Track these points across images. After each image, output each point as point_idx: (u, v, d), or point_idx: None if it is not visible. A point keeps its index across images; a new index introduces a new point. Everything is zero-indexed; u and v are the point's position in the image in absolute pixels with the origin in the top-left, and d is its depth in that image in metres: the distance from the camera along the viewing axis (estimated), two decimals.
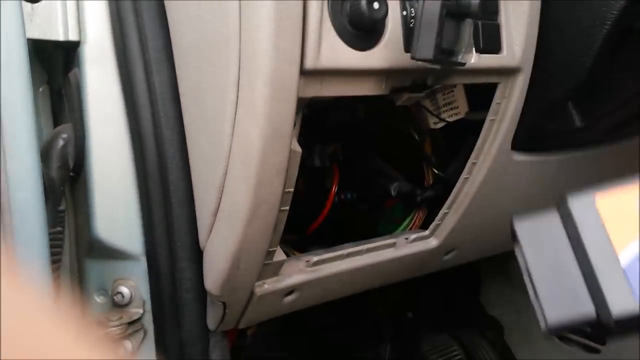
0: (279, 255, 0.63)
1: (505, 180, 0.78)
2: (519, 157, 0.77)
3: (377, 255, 0.75)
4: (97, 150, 0.58)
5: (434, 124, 0.82)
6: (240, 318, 0.66)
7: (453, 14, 0.48)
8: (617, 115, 0.73)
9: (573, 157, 0.84)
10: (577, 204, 0.27)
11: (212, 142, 0.52)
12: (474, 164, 0.74)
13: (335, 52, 0.49)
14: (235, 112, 0.48)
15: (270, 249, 0.60)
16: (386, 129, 0.96)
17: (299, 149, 0.53)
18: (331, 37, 0.49)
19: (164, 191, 0.58)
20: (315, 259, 0.69)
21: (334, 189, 0.83)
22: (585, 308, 0.25)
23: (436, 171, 0.83)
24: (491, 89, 0.69)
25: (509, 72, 0.67)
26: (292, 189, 0.56)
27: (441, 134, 0.86)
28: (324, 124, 0.86)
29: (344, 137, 0.91)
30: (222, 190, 0.52)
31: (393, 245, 0.77)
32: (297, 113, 0.53)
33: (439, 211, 0.85)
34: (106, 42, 0.57)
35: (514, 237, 0.29)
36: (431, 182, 0.87)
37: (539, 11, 0.66)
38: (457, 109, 0.81)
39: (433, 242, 0.82)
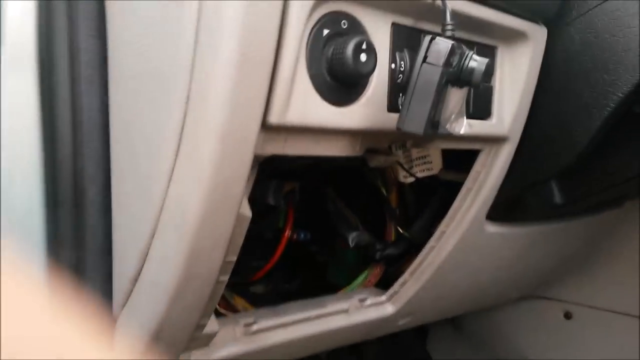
0: (212, 325, 0.53)
1: (475, 250, 0.71)
2: (493, 228, 0.70)
3: (327, 322, 0.66)
4: (4, 174, 0.46)
5: (404, 177, 0.74)
6: None
7: (452, 83, 0.40)
8: (602, 195, 0.68)
9: (549, 229, 0.78)
10: None
11: (141, 195, 0.42)
12: (443, 232, 0.66)
13: (307, 107, 0.40)
14: (174, 165, 0.38)
15: (201, 322, 0.50)
16: (351, 172, 0.88)
17: (248, 212, 0.44)
18: (304, 87, 0.40)
19: (77, 240, 0.47)
20: (255, 327, 0.59)
21: (287, 233, 0.74)
22: None
23: (400, 230, 0.75)
24: (472, 151, 0.62)
25: (495, 141, 0.60)
26: (235, 257, 0.46)
27: (409, 189, 0.78)
28: (281, 160, 0.77)
29: (302, 175, 0.82)
30: (146, 256, 0.42)
31: (345, 311, 0.69)
32: (251, 171, 0.44)
33: (397, 269, 0.78)
34: (29, 47, 0.46)
35: None
36: (393, 239, 0.80)
37: (536, 77, 0.59)
38: (430, 164, 0.74)
39: (389, 309, 0.74)
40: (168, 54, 0.37)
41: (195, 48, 0.36)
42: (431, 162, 0.74)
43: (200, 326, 0.50)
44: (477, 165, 0.62)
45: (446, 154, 0.73)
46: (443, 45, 0.38)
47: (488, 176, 0.62)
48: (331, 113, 0.42)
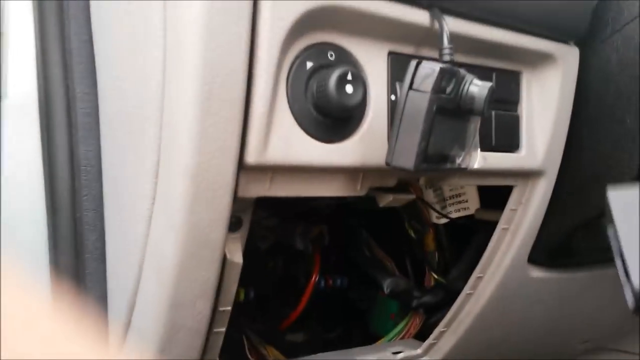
0: None
1: (518, 297, 0.63)
2: (538, 272, 0.62)
3: None
4: (6, 221, 0.47)
5: (437, 218, 0.69)
6: None
7: (449, 111, 0.36)
8: None
9: (605, 274, 0.69)
10: None
11: (127, 241, 0.40)
12: (479, 278, 0.60)
13: (290, 144, 0.38)
14: (152, 209, 0.37)
15: None
16: (384, 214, 0.84)
17: (238, 259, 0.41)
18: (286, 124, 0.37)
19: (78, 287, 0.46)
20: None
21: (314, 278, 0.70)
22: None
23: (435, 276, 0.69)
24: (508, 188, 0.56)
25: (528, 175, 0.54)
26: (230, 307, 0.43)
27: (445, 231, 0.72)
28: (306, 202, 0.74)
29: (330, 218, 0.78)
30: (134, 306, 0.40)
31: None
32: (242, 214, 0.41)
33: (439, 319, 0.71)
34: (30, 99, 0.47)
35: (607, 211, 0.28)
36: (432, 285, 0.73)
37: (571, 103, 0.53)
38: (465, 204, 0.68)
39: None
40: (141, 95, 0.36)
41: (164, 86, 0.34)
42: (467, 202, 0.68)
43: None
44: (511, 203, 0.56)
45: (484, 193, 0.68)
46: (429, 69, 0.34)
47: (525, 215, 0.56)
48: (321, 150, 0.39)
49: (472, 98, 0.36)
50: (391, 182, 0.45)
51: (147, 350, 0.40)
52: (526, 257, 0.60)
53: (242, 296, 0.78)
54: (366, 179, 0.43)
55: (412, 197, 0.49)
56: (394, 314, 0.82)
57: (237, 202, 0.39)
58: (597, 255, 0.62)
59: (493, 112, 0.50)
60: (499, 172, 0.52)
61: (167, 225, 0.36)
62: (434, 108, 0.34)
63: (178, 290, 0.37)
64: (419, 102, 0.34)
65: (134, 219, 0.38)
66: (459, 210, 0.68)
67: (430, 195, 0.68)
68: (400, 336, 0.75)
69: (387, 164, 0.36)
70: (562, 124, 0.53)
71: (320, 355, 0.62)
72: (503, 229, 0.57)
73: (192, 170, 0.34)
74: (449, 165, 0.38)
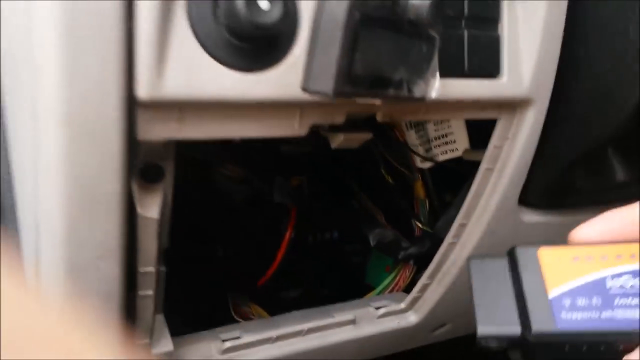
0: (163, 344, 0.46)
1: (509, 245, 0.56)
2: (531, 216, 0.55)
3: (325, 337, 0.56)
4: None
5: (421, 162, 0.62)
6: None
7: (388, 24, 0.29)
8: None
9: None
10: (523, 252, 0.33)
11: (24, 202, 0.35)
12: (463, 225, 0.53)
13: (196, 75, 0.31)
14: (36, 162, 0.31)
15: (141, 341, 0.43)
16: (373, 162, 0.77)
17: (153, 214, 0.36)
18: (188, 50, 0.31)
19: None
20: (228, 344, 0.51)
21: (288, 234, 0.65)
22: (513, 326, 0.30)
23: (420, 225, 0.63)
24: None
25: (513, 105, 0.46)
26: (152, 267, 0.38)
27: (431, 176, 0.65)
28: (281, 151, 0.68)
29: (310, 168, 0.72)
30: (39, 272, 0.35)
31: (352, 322, 0.58)
32: (160, 161, 0.35)
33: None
34: None
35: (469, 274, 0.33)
36: (419, 235, 0.67)
37: (563, 14, 0.45)
38: (452, 145, 0.61)
39: (411, 319, 0.62)
40: (15, 36, 0.30)
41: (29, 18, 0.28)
42: (454, 142, 0.61)
43: (139, 346, 0.43)
44: (495, 139, 0.48)
45: (475, 131, 0.60)
46: None
47: (512, 151, 0.49)
48: (237, 81, 0.32)
49: (412, 7, 0.29)
50: (339, 119, 0.38)
51: None
52: (516, 199, 0.53)
53: (220, 252, 0.74)
54: (305, 115, 0.37)
55: (367, 136, 0.42)
56: (389, 266, 0.76)
57: (143, 146, 0.33)
58: (598, 195, 0.55)
59: (465, 32, 0.42)
60: (476, 103, 0.44)
61: (48, 179, 0.30)
62: (356, 17, 0.27)
63: (72, 251, 0.32)
64: (336, 10, 0.27)
65: (26, 174, 0.33)
66: (445, 153, 0.61)
67: (412, 137, 0.61)
68: (389, 289, 0.70)
69: (304, 89, 0.30)
70: (553, 43, 0.45)
71: (290, 315, 0.57)
72: (487, 169, 0.50)
73: (63, 111, 0.28)
74: (392, 92, 0.31)
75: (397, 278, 0.71)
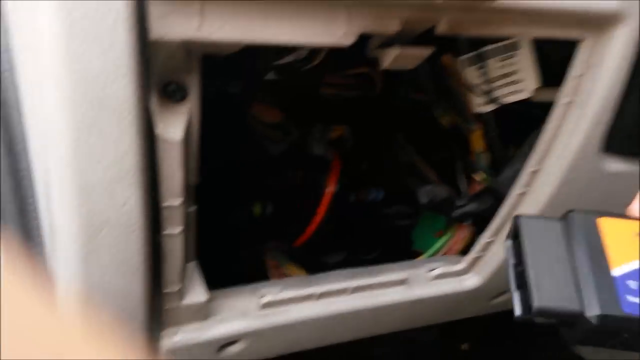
0: (196, 294, 0.42)
1: (588, 198, 0.49)
2: (616, 165, 0.47)
3: (372, 297, 0.51)
4: None
5: (479, 105, 0.55)
6: None
7: None
8: None
9: None
10: (581, 218, 0.28)
11: (33, 111, 0.31)
12: (535, 173, 0.46)
13: None
14: (37, 58, 0.27)
15: (165, 290, 0.39)
16: (423, 112, 0.70)
17: (174, 136, 0.31)
18: None
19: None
20: (267, 299, 0.46)
21: (330, 188, 0.59)
22: (573, 302, 0.26)
23: (477, 178, 0.56)
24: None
25: (600, 23, 0.39)
26: (178, 201, 0.34)
27: (495, 122, 0.58)
28: (321, 97, 0.62)
29: (353, 116, 0.66)
30: (51, 198, 0.31)
31: (403, 282, 0.52)
32: (182, 77, 0.30)
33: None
34: None
35: (514, 233, 0.30)
36: (477, 191, 0.60)
37: None
38: (520, 85, 0.53)
39: (471, 281, 0.55)
40: None
41: None
42: (522, 82, 0.53)
43: (169, 295, 0.39)
44: (577, 67, 0.41)
45: (545, 70, 0.52)
46: None
47: (597, 82, 0.41)
48: None
49: None
50: (393, 26, 0.32)
51: (72, 256, 0.31)
52: (599, 143, 0.45)
53: (258, 210, 0.69)
54: (353, 18, 0.31)
55: (426, 52, 0.35)
56: (441, 230, 0.70)
57: (161, 54, 0.28)
58: None
59: None
60: (555, 17, 0.37)
61: (51, 78, 0.26)
62: None
63: (82, 169, 0.28)
64: None
65: (32, 84, 0.29)
66: (511, 94, 0.53)
67: (472, 75, 0.54)
68: (442, 252, 0.64)
69: None
70: None
71: (344, 271, 0.52)
72: (566, 103, 0.42)
73: None
74: None
75: (451, 241, 0.64)
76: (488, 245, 0.52)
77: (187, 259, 0.43)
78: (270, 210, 0.70)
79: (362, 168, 0.74)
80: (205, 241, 0.64)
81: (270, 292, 0.47)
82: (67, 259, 0.31)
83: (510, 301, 0.62)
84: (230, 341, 0.46)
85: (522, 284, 0.31)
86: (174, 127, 0.31)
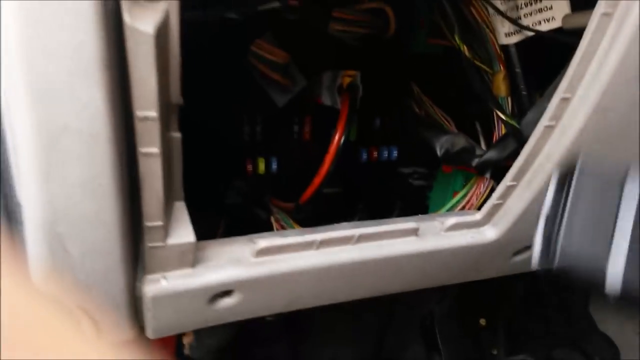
0: (181, 235, 0.37)
1: (623, 130, 0.43)
2: None
3: (380, 247, 0.46)
4: None
5: (506, 36, 0.49)
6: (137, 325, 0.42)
7: None
8: None
9: None
10: None
11: None
12: (564, 101, 0.41)
13: None
14: None
15: (150, 224, 0.34)
16: (439, 60, 0.64)
17: (145, 27, 0.26)
18: None
19: None
20: (262, 244, 0.42)
21: (337, 137, 0.54)
22: (599, 263, 0.24)
23: (504, 117, 0.50)
24: None
25: None
26: (154, 114, 0.29)
27: (520, 56, 0.52)
28: (329, 38, 0.57)
29: (364, 62, 0.61)
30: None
31: (413, 232, 0.47)
32: None
33: None
34: None
35: (565, 171, 0.27)
36: (499, 138, 0.55)
37: None
38: (548, 12, 0.47)
39: (489, 233, 0.50)
40: None
41: None
42: (550, 8, 0.48)
43: (151, 230, 0.35)
44: None
45: None
46: None
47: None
48: None
49: None
50: None
51: (33, 176, 0.27)
52: None
53: (262, 167, 0.65)
54: None
55: None
56: (457, 192, 0.65)
57: None
58: None
59: None
60: None
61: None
62: None
63: (34, 58, 0.23)
64: None
65: None
66: (541, 22, 0.48)
67: (498, 2, 0.48)
68: (459, 207, 0.59)
69: None
70: None
71: (339, 225, 0.47)
72: (604, 14, 0.37)
73: None
74: None
75: (470, 195, 0.59)
76: (509, 190, 0.47)
77: (173, 196, 0.39)
78: (275, 166, 0.66)
79: (374, 124, 0.69)
80: (202, 194, 0.60)
81: (266, 239, 0.42)
82: (29, 183, 0.27)
83: (531, 260, 0.57)
84: (222, 291, 0.42)
85: (552, 229, 0.29)
86: (146, 20, 0.26)
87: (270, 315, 0.52)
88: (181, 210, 0.39)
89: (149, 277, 0.39)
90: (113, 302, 0.37)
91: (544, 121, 0.42)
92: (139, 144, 0.30)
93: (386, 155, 0.72)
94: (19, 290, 0.16)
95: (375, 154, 0.71)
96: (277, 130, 0.64)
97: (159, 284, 0.39)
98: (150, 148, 0.30)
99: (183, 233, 0.37)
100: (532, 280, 1.09)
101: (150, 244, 0.36)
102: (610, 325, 1.13)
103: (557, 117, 0.41)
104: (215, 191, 0.60)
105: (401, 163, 0.73)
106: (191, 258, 0.39)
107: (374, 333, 0.98)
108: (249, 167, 0.64)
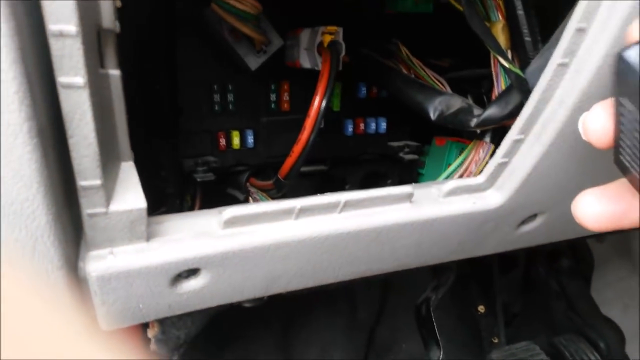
0: (129, 199, 0.31)
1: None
2: None
3: (368, 217, 0.39)
4: None
5: None
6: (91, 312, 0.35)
7: None
8: None
9: None
10: None
11: None
12: (580, 32, 0.35)
13: None
14: None
15: (85, 183, 0.28)
16: (429, 18, 0.58)
17: None
18: None
19: None
20: (230, 214, 0.35)
21: (318, 101, 0.48)
22: None
23: (506, 64, 0.44)
24: None
25: None
26: (74, 29, 0.23)
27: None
28: None
29: (347, 17, 0.55)
30: None
31: (407, 198, 0.41)
32: None
33: None
34: None
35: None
36: (500, 93, 0.49)
37: None
38: None
39: (493, 199, 0.44)
40: None
41: None
42: None
43: (87, 192, 0.28)
44: None
45: None
46: None
47: None
48: None
49: None
50: None
51: None
52: None
53: (236, 142, 0.58)
54: None
55: None
56: (450, 165, 0.59)
57: None
58: None
59: None
60: None
61: None
62: None
63: None
64: None
65: None
66: None
67: None
68: (457, 175, 0.53)
69: None
70: None
71: (329, 194, 0.41)
72: None
73: None
74: None
75: (468, 161, 0.53)
76: (515, 146, 0.41)
77: (118, 155, 0.32)
78: (251, 141, 0.59)
79: (360, 93, 0.63)
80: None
81: (236, 208, 0.36)
82: None
83: (540, 231, 0.51)
84: (186, 270, 0.36)
85: None
86: None
87: (248, 301, 0.46)
88: (129, 172, 0.32)
89: (93, 253, 0.32)
90: (46, 282, 0.31)
91: (556, 58, 0.36)
92: (56, 71, 0.23)
93: (374, 127, 0.66)
94: None
95: (362, 126, 0.65)
96: (251, 99, 0.58)
97: (105, 261, 0.32)
98: (71, 77, 0.24)
99: (130, 198, 0.31)
100: (530, 265, 1.04)
101: (88, 210, 0.29)
102: (614, 308, 1.08)
103: (571, 52, 0.35)
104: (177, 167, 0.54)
105: (391, 136, 0.67)
106: (144, 230, 0.33)
107: (366, 325, 0.93)
108: (222, 142, 0.57)
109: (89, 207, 0.29)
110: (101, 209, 0.30)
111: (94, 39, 0.25)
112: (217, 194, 0.62)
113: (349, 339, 0.90)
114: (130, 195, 0.31)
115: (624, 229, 0.23)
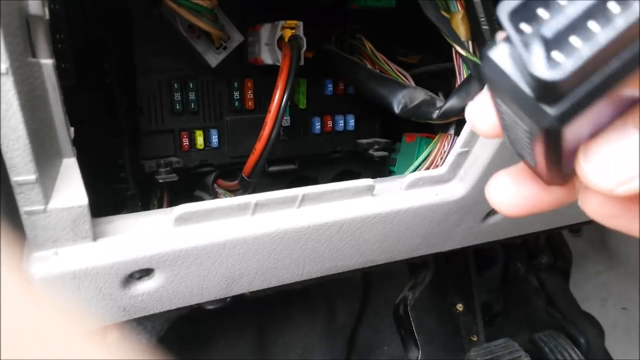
0: (69, 196, 0.29)
1: None
2: None
3: (329, 211, 0.39)
4: None
5: None
6: None
7: None
8: None
9: None
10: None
11: None
12: None
13: None
14: None
15: (18, 178, 0.26)
16: (389, 12, 0.58)
17: None
18: None
19: None
20: (181, 211, 0.34)
21: (278, 97, 0.47)
22: None
23: (464, 52, 0.44)
24: None
25: None
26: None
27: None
28: None
29: (307, 11, 0.54)
30: None
31: (368, 191, 0.40)
32: None
33: None
34: None
35: None
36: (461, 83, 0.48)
37: None
38: None
39: (455, 190, 0.44)
40: None
41: None
42: None
43: (22, 188, 0.27)
44: None
45: None
46: None
47: None
48: None
49: None
50: None
51: None
52: None
53: (200, 141, 0.57)
54: None
55: None
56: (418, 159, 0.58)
57: None
58: None
59: None
60: None
61: None
62: None
63: None
64: None
65: None
66: None
67: None
68: (424, 168, 0.52)
69: None
70: None
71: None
72: None
73: None
74: None
75: (433, 154, 0.53)
76: (474, 135, 0.41)
77: (57, 151, 0.31)
78: (215, 140, 0.58)
79: (326, 89, 0.62)
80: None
81: (188, 205, 0.35)
82: None
83: (504, 225, 0.50)
84: (137, 270, 0.34)
85: None
86: None
87: (210, 303, 0.45)
88: (70, 169, 0.31)
89: (36, 254, 0.31)
90: None
91: None
92: None
93: (342, 124, 0.65)
94: None
95: (329, 123, 0.64)
96: (214, 98, 0.57)
97: (48, 262, 0.31)
98: None
99: (70, 195, 0.30)
100: (509, 262, 1.04)
101: (26, 208, 0.28)
102: (593, 303, 1.09)
103: None
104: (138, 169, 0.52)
105: (360, 133, 0.66)
106: (88, 228, 0.31)
107: (346, 328, 0.91)
108: (185, 142, 0.56)
109: (26, 205, 0.28)
110: (39, 207, 0.28)
111: (19, 25, 0.24)
112: (185, 196, 0.60)
113: (329, 343, 0.89)
114: (71, 192, 0.30)
115: (544, 211, 0.21)
